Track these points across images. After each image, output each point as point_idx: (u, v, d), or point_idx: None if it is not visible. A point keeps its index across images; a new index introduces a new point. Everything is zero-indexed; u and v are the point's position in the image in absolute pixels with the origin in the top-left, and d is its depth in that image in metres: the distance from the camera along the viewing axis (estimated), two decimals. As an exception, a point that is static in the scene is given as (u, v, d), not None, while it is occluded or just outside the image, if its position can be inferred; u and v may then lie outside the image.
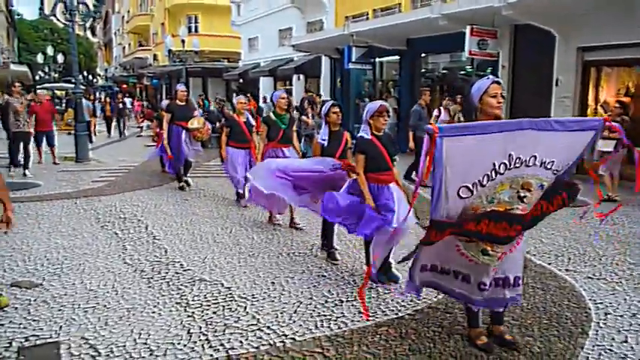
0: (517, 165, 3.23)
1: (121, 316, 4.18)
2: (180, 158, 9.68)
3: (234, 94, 23.27)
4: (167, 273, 5.23)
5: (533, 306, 4.47)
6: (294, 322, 4.14)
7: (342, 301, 4.56)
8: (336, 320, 4.18)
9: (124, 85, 49.94)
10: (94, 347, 3.66)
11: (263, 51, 27.72)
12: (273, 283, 5.00)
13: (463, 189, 3.23)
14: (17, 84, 12.26)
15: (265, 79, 26.75)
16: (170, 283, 4.96)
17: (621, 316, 4.34)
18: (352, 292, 4.76)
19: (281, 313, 4.31)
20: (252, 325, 4.07)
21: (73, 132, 14.87)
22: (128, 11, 55.13)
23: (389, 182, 4.81)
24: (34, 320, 4.08)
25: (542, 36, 11.34)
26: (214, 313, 4.28)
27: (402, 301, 4.56)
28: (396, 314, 4.33)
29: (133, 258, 5.70)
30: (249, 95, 19.69)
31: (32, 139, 12.02)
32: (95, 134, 20.77)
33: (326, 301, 4.55)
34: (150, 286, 4.85)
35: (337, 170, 5.46)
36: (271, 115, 7.22)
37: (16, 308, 4.30)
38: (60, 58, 41.10)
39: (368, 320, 4.17)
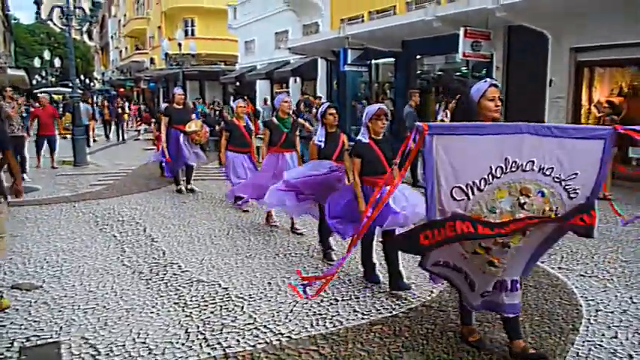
0: (513, 169, 3.20)
1: (120, 317, 4.26)
2: (179, 161, 9.70)
3: (232, 97, 23.37)
4: (165, 274, 5.30)
5: (525, 303, 4.53)
6: (290, 321, 4.22)
7: (337, 300, 4.64)
8: (331, 319, 4.26)
9: (121, 89, 49.98)
10: (94, 347, 3.73)
11: (259, 54, 27.82)
12: (269, 283, 5.07)
13: (456, 189, 3.20)
14: (9, 89, 12.33)
15: (262, 81, 26.85)
16: (168, 284, 5.03)
17: (612, 312, 4.42)
18: (347, 292, 4.84)
19: (277, 312, 4.38)
20: (249, 324, 4.14)
21: (68, 136, 14.93)
22: (125, 15, 55.18)
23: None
24: (35, 321, 4.16)
25: (536, 37, 11.45)
26: (212, 312, 4.36)
27: (397, 299, 4.65)
28: (390, 312, 4.41)
29: (132, 260, 5.77)
30: (246, 98, 19.75)
31: (27, 143, 12.02)
32: (94, 139, 20.76)
33: (321, 301, 4.62)
34: (148, 287, 4.93)
35: (334, 172, 5.49)
36: (274, 119, 7.15)
37: (17, 310, 4.37)
38: (57, 62, 41.10)
39: (363, 319, 4.26)
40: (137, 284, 5.02)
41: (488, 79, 3.66)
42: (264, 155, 7.13)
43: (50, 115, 13.30)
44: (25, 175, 11.18)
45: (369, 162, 4.72)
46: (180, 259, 5.79)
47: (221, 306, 4.50)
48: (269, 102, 21.85)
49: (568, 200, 3.31)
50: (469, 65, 13.36)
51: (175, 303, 4.56)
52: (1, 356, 3.62)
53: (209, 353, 3.67)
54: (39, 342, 3.83)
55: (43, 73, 43.55)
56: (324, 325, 4.14)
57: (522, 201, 3.24)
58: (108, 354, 3.64)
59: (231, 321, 4.20)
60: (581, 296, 4.75)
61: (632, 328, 4.12)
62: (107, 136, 22.91)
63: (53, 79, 43.38)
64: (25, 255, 5.90)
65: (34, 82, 42.61)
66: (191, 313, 4.35)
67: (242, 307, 4.47)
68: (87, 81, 55.64)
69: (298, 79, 23.54)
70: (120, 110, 22.88)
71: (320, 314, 4.35)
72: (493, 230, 3.19)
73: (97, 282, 5.06)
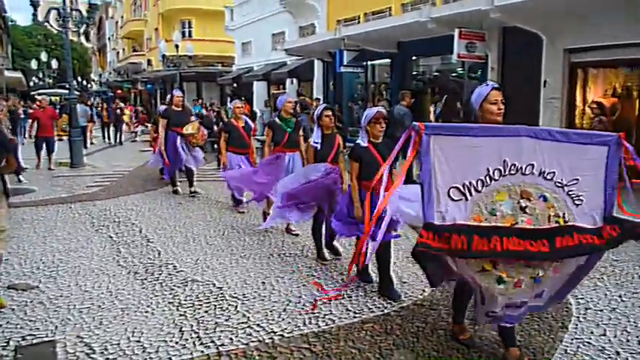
0: (512, 172, 3.17)
1: (115, 316, 4.31)
2: (177, 164, 9.70)
3: (229, 99, 23.39)
4: (160, 274, 5.36)
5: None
6: (283, 319, 4.27)
7: (330, 300, 4.68)
8: (323, 317, 4.31)
9: (119, 91, 49.96)
10: (88, 345, 3.79)
11: (256, 55, 27.85)
12: (263, 283, 5.13)
13: (453, 190, 3.15)
14: None
15: (259, 83, 26.87)
16: (163, 284, 5.08)
17: (601, 310, 4.49)
18: (341, 291, 4.89)
19: (270, 311, 4.44)
20: (242, 323, 4.20)
21: (65, 137, 14.95)
22: (122, 16, 55.16)
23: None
24: (31, 321, 4.21)
25: (530, 38, 11.50)
26: (206, 312, 4.41)
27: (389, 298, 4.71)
28: (382, 311, 4.47)
29: (127, 260, 5.82)
30: (243, 99, 19.83)
31: (20, 146, 12.01)
32: (92, 142, 20.75)
33: (315, 300, 4.67)
34: (143, 287, 4.98)
35: (330, 175, 5.49)
36: (276, 119, 7.11)
37: (13, 310, 4.42)
38: (54, 63, 41.18)
39: (355, 317, 4.32)
40: (132, 284, 5.07)
41: (490, 82, 3.63)
42: (265, 155, 7.11)
43: (50, 116, 13.37)
44: (20, 177, 11.23)
45: (367, 166, 4.66)
46: (175, 260, 5.84)
47: (215, 305, 4.56)
48: (270, 103, 21.88)
49: (573, 207, 3.27)
50: (465, 66, 13.42)
51: (170, 302, 4.61)
52: (-2, 355, 3.68)
53: (202, 351, 3.72)
54: (35, 341, 3.88)
55: (40, 75, 43.63)
56: (317, 324, 4.20)
57: (523, 204, 3.19)
58: (102, 352, 3.69)
59: (225, 320, 4.25)
60: (571, 294, 4.77)
61: (620, 325, 4.19)
62: (108, 138, 22.62)
63: (50, 81, 43.43)
64: (22, 256, 5.95)
65: (31, 83, 42.66)
66: (185, 312, 4.40)
67: (236, 307, 4.53)
68: (84, 82, 55.74)
69: (295, 80, 23.58)
70: (118, 111, 22.76)
71: (313, 313, 4.40)
72: (490, 243, 3.10)
73: (92, 282, 5.11)
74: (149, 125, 17.31)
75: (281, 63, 24.11)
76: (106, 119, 23.12)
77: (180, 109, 9.73)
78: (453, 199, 3.16)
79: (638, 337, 3.98)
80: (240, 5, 29.15)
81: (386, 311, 4.46)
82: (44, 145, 13.15)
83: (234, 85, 29.67)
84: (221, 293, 4.84)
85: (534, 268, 3.24)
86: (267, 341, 3.89)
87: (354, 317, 4.33)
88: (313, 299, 4.65)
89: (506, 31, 12.49)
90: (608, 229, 3.28)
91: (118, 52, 59.80)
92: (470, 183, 3.16)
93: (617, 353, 3.73)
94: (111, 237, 6.79)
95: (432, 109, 11.47)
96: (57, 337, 3.92)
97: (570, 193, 3.26)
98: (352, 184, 4.79)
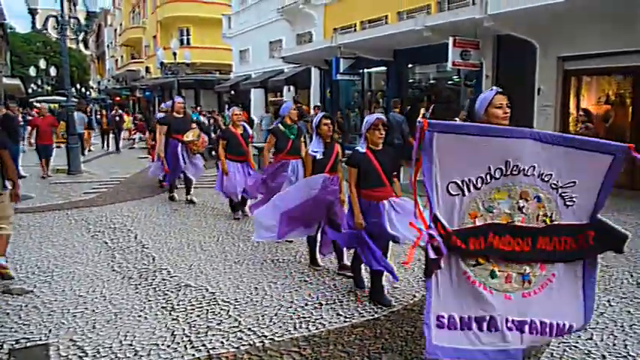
0: (514, 172, 3.19)
1: (108, 320, 4.36)
2: (177, 171, 9.67)
3: (226, 106, 23.51)
4: (154, 279, 5.41)
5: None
6: (274, 324, 4.33)
7: (321, 304, 4.74)
8: (314, 322, 4.37)
9: (117, 98, 50.08)
10: (81, 348, 3.84)
11: (254, 63, 28.02)
12: (256, 288, 5.18)
13: (452, 185, 3.18)
14: None
15: (256, 90, 27.01)
16: (157, 288, 5.14)
17: (588, 314, 4.53)
18: (332, 296, 4.95)
19: (262, 316, 4.49)
20: (233, 327, 4.25)
21: (61, 144, 14.99)
22: (120, 24, 55.46)
23: (382, 199, 4.64)
24: (25, 324, 4.26)
25: (524, 46, 11.64)
26: (198, 316, 4.47)
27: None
28: (372, 315, 4.51)
29: (122, 266, 5.88)
30: (240, 106, 19.89)
31: (21, 154, 12.05)
32: (90, 149, 20.75)
33: (306, 304, 4.73)
34: (137, 292, 5.03)
35: (328, 188, 5.33)
36: (280, 125, 7.08)
37: (8, 314, 4.47)
38: (52, 71, 41.28)
39: (346, 321, 4.37)
40: (126, 289, 5.12)
41: (494, 87, 3.67)
42: (265, 161, 7.12)
43: (49, 124, 13.44)
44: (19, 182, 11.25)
45: (365, 173, 4.65)
46: (169, 265, 5.89)
47: (207, 310, 4.61)
48: (270, 112, 21.93)
49: (563, 207, 3.31)
50: (460, 74, 13.54)
51: (163, 307, 4.66)
52: (-9, 358, 3.73)
53: (193, 355, 3.77)
54: (28, 344, 3.93)
55: (39, 82, 43.72)
56: (307, 328, 4.25)
57: (521, 205, 3.25)
58: (95, 355, 3.74)
59: (217, 324, 4.30)
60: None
61: (607, 330, 4.23)
62: (107, 145, 22.53)
63: (49, 88, 43.54)
64: (18, 261, 6.00)
65: (30, 90, 42.76)
66: (178, 316, 4.46)
67: (228, 311, 4.58)
68: (83, 90, 55.83)
69: (292, 87, 23.72)
70: (118, 118, 22.70)
71: (304, 317, 4.45)
72: (487, 240, 3.19)
73: (86, 287, 5.17)
74: (147, 133, 17.30)
75: (278, 71, 24.27)
76: (105, 126, 23.12)
77: (181, 115, 9.70)
78: (450, 194, 3.20)
79: (624, 340, 4.03)
80: (238, 13, 29.36)
81: (376, 316, 4.51)
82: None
83: (232, 92, 29.81)
84: (214, 298, 4.89)
85: (521, 265, 3.31)
86: (257, 345, 3.94)
87: (345, 322, 4.38)
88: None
89: (500, 40, 12.64)
90: (586, 233, 3.31)
91: (116, 60, 60.05)
92: (469, 180, 3.19)
93: (603, 357, 3.78)
94: (106, 243, 6.84)
95: (422, 111, 11.63)
96: (50, 341, 3.97)
97: (564, 194, 3.29)
98: (351, 193, 4.73)
